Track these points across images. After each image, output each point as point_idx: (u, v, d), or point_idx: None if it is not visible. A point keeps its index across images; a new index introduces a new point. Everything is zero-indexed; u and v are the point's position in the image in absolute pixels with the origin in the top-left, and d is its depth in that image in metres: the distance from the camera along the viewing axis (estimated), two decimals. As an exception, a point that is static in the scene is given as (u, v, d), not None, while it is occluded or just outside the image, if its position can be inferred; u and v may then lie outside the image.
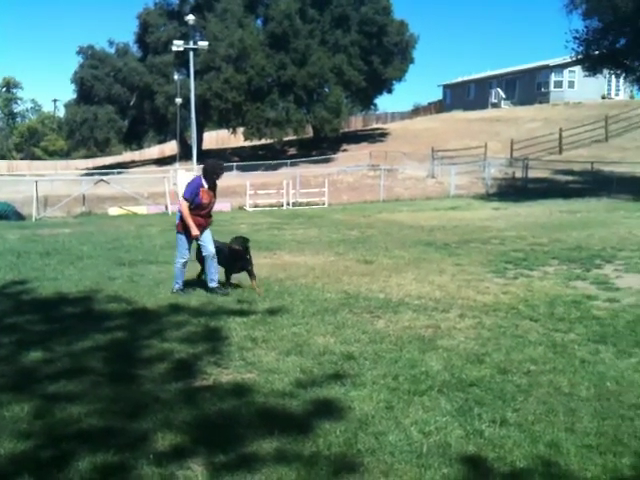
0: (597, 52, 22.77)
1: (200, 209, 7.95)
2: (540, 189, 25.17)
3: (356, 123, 59.29)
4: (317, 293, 8.02)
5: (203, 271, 8.47)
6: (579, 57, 23.73)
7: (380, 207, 22.43)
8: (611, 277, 9.14)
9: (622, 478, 3.42)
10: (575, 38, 22.93)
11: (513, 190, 26.28)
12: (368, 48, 43.01)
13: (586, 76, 27.91)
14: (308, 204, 23.95)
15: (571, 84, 46.12)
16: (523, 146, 31.79)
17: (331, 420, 4.13)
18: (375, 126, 55.58)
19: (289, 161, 36.94)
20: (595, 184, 23.84)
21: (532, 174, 27.75)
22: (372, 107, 53.22)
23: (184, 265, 8.13)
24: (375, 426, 4.04)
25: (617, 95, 47.10)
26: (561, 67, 44.82)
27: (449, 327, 6.47)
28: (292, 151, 45.79)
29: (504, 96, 50.64)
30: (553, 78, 47.23)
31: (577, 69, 36.89)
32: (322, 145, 44.46)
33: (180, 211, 8.03)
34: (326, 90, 42.50)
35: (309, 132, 46.83)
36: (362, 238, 13.99)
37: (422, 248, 12.19)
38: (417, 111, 62.59)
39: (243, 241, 8.28)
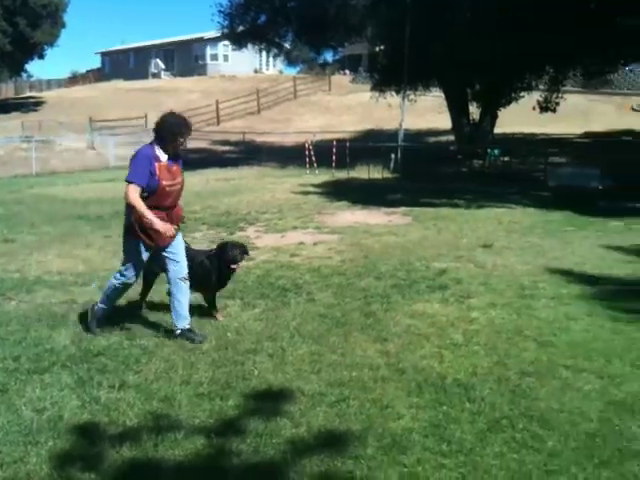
0: (241, 27, 24.06)
1: (159, 197, 4.88)
2: (199, 159, 25.85)
3: (7, 91, 53.71)
4: (-62, 279, 7.16)
5: (146, 294, 5.85)
6: (224, 31, 24.79)
7: (32, 182, 20.81)
8: (252, 237, 9.89)
9: (226, 418, 3.75)
10: (220, 12, 23.90)
11: (174, 160, 26.59)
12: (12, 8, 39.05)
13: (234, 49, 29.32)
14: (-56, 181, 21.11)
15: (226, 57, 48.11)
16: (183, 117, 32.29)
17: None
18: (29, 94, 51.10)
19: None
20: (248, 153, 25.43)
21: (192, 144, 28.26)
22: (24, 74, 48.83)
23: (125, 288, 5.24)
24: (-18, 413, 3.78)
25: (268, 69, 50.57)
26: (215, 40, 46.39)
27: (86, 301, 6.32)
28: None
29: (164, 67, 50.70)
30: (209, 51, 48.74)
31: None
32: (-37, 115, 39.44)
33: (127, 204, 4.87)
34: (-38, 52, 37.62)
35: (-55, 100, 41.11)
36: (6, 215, 12.83)
37: (73, 222, 11.70)
38: (75, 79, 59.29)
39: (242, 249, 5.75)
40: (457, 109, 21.87)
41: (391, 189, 15.90)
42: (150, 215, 4.77)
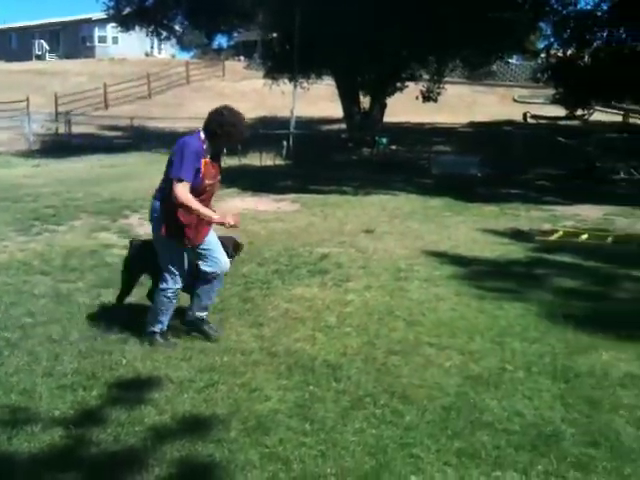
0: (128, 8, 23.21)
1: (200, 196, 4.49)
2: (85, 145, 24.87)
3: None
4: None
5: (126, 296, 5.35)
6: (110, 13, 23.84)
7: None
8: (134, 225, 9.65)
9: (87, 409, 3.66)
10: (105, -8, 22.90)
11: (58, 146, 25.41)
12: None
13: (122, 31, 28.20)
14: None
15: (115, 40, 46.35)
16: (69, 100, 30.88)
17: None
18: None
19: None
20: (138, 139, 24.66)
21: (78, 129, 27.25)
22: None
23: (176, 295, 4.72)
24: None
25: (160, 53, 49.23)
26: (104, 22, 44.48)
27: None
28: None
29: (48, 48, 48.25)
30: (97, 33, 46.82)
31: (120, 25, 37.09)
32: None
33: (160, 204, 4.52)
34: None
35: None
36: None
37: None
38: (-50, 59, 55.38)
39: (236, 243, 5.18)
40: (348, 98, 22.19)
41: (282, 176, 15.94)
42: (207, 211, 4.46)
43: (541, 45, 23.68)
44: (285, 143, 19.58)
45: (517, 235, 8.99)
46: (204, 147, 4.44)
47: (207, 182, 4.49)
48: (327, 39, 18.57)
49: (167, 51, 48.74)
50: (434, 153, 18.17)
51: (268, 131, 20.34)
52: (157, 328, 4.68)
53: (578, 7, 20.98)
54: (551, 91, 22.96)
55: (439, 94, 21.16)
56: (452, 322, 5.27)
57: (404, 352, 4.57)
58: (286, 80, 23.18)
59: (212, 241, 4.69)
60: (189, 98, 34.33)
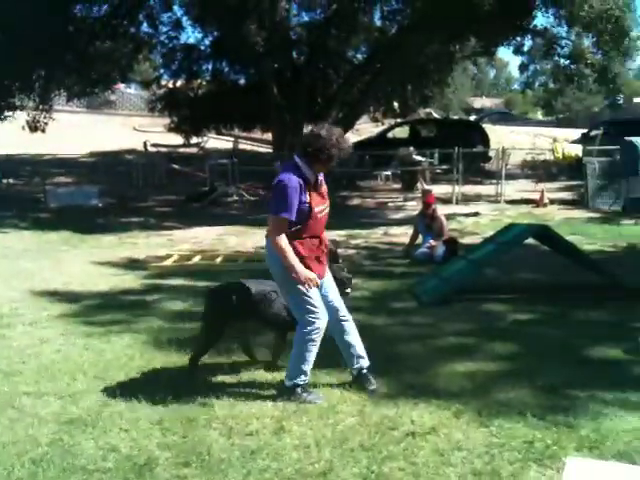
0: None
1: (314, 226, 4.08)
2: None
3: None
4: None
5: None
6: None
7: None
8: None
9: None
10: None
11: None
12: None
13: None
14: None
15: None
16: None
17: None
18: None
19: None
20: None
21: None
22: None
23: (321, 333, 4.11)
24: None
25: None
26: None
27: None
28: None
29: None
30: None
31: None
32: None
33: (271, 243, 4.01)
34: None
35: None
36: None
37: None
38: None
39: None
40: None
41: None
42: (296, 262, 3.98)
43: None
44: None
45: (132, 264, 9.02)
46: (305, 174, 4.05)
47: (317, 210, 4.11)
48: None
49: None
50: (52, 185, 17.28)
51: None
52: (302, 379, 4.21)
53: (182, 41, 22.05)
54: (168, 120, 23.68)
55: (46, 124, 20.06)
56: (54, 365, 4.98)
57: (-2, 408, 4.15)
58: None
59: (330, 288, 4.36)
60: None
